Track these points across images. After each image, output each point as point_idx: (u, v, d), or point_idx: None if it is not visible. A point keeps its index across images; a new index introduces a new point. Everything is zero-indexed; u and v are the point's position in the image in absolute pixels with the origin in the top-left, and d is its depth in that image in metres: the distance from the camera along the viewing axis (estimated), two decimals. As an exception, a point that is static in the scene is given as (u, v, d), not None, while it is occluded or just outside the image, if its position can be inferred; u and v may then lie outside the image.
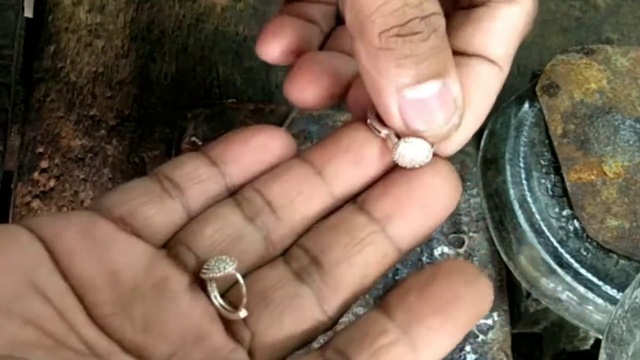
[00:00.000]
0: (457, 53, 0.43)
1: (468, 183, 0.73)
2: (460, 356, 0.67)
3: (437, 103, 0.39)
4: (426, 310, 0.38)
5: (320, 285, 0.41)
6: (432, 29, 0.38)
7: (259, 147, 0.43)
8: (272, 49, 0.48)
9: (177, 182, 0.41)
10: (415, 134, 0.41)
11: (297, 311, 0.39)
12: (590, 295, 0.64)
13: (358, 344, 0.38)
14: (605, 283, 0.64)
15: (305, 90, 0.46)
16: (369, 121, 0.42)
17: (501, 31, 0.43)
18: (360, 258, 0.41)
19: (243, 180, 0.43)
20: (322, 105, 0.46)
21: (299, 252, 0.41)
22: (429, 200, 0.42)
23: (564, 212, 0.66)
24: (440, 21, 0.39)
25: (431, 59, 0.39)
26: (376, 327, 0.39)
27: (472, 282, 0.39)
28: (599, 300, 0.63)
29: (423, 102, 0.39)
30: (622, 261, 0.65)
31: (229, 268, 0.38)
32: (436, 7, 0.39)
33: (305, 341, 0.40)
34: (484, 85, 0.43)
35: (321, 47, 0.53)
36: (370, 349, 0.38)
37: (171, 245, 0.40)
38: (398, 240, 0.42)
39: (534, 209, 0.66)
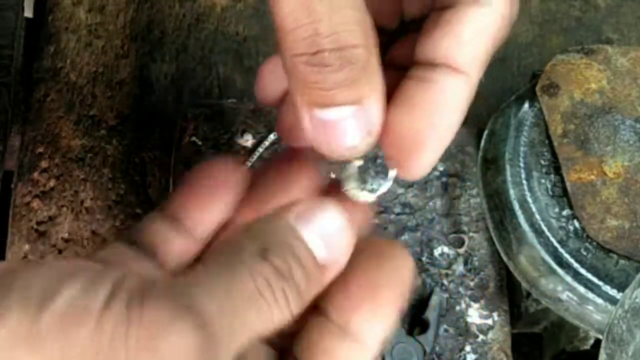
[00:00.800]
0: (422, 64, 0.41)
1: (468, 183, 0.73)
2: (460, 356, 0.67)
3: (346, 127, 0.38)
4: (355, 303, 0.39)
5: None
6: (347, 61, 0.36)
7: (214, 200, 0.43)
8: (271, 92, 0.46)
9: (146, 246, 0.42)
10: (323, 152, 0.39)
11: None
12: (590, 295, 0.64)
13: (309, 350, 0.39)
14: (605, 283, 0.64)
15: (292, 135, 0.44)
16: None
17: (469, 36, 0.40)
18: None
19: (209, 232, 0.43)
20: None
21: None
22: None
23: (564, 212, 0.66)
24: (360, 53, 0.37)
25: (343, 88, 0.37)
26: (319, 330, 0.39)
27: (389, 258, 0.40)
28: (599, 300, 0.64)
29: (332, 123, 0.38)
30: (622, 261, 0.65)
31: None
32: (358, 38, 0.37)
33: None
34: (449, 100, 0.41)
35: None
36: (321, 351, 0.39)
37: None
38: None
39: (534, 209, 0.66)
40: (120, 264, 0.40)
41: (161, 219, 0.43)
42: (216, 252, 0.37)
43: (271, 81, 0.45)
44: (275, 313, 0.35)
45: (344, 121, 0.38)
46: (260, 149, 0.70)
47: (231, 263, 0.35)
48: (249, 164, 0.70)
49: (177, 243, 0.42)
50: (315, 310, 0.39)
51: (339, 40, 0.36)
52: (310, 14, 0.36)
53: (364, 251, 0.40)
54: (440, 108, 0.40)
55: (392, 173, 0.42)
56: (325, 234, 0.38)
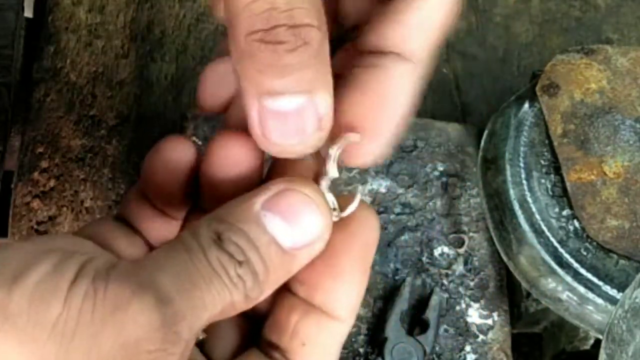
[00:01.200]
0: (371, 52, 0.41)
1: (468, 183, 0.73)
2: (460, 356, 0.67)
3: (296, 119, 0.37)
4: (317, 274, 0.39)
5: None
6: (302, 41, 0.35)
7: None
8: (215, 98, 0.44)
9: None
10: (268, 145, 0.38)
11: None
12: (590, 295, 0.64)
13: (278, 330, 0.39)
14: (606, 283, 0.64)
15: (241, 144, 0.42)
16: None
17: (417, 24, 0.40)
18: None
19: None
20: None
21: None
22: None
23: (564, 212, 0.66)
24: (314, 34, 0.36)
25: (296, 73, 0.36)
26: (286, 308, 0.39)
27: (349, 221, 0.39)
28: (599, 300, 0.64)
29: (282, 114, 0.36)
30: (622, 261, 0.65)
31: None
32: (313, 19, 0.36)
33: None
34: (398, 86, 0.40)
35: None
36: (289, 329, 0.39)
37: None
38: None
39: (534, 209, 0.66)
40: (103, 240, 0.40)
41: (142, 197, 0.43)
42: (178, 236, 0.37)
43: (214, 86, 0.44)
44: (234, 295, 0.35)
45: (296, 112, 0.37)
46: None
47: (189, 246, 0.36)
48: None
49: (157, 221, 0.42)
50: (284, 288, 0.39)
51: (295, 16, 0.36)
52: None
53: None
54: (391, 93, 0.40)
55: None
56: (294, 218, 0.37)
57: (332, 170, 0.39)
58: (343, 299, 0.39)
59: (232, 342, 0.42)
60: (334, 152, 0.39)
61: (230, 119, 0.43)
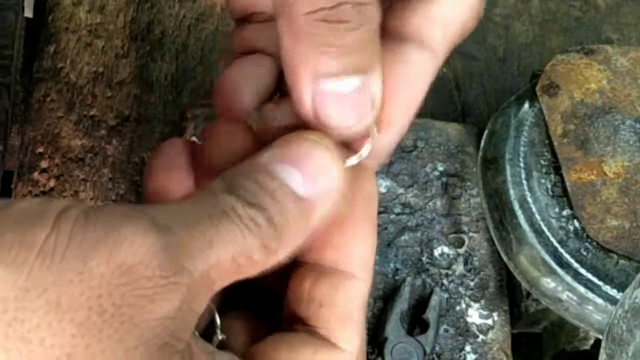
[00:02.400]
0: (394, 37, 0.41)
1: (468, 183, 0.73)
2: (460, 356, 0.67)
3: (353, 100, 0.37)
4: (326, 233, 0.38)
5: None
6: (364, 20, 0.36)
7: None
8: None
9: None
10: (323, 128, 0.37)
11: None
12: (590, 295, 0.64)
13: (294, 302, 0.39)
14: (605, 283, 0.64)
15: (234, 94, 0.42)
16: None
17: (439, 17, 0.41)
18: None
19: None
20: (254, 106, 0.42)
21: None
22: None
23: (564, 212, 0.66)
24: (375, 14, 0.36)
25: (355, 54, 0.36)
26: (298, 279, 0.39)
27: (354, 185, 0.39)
28: (599, 300, 0.63)
29: (339, 96, 0.36)
30: (622, 261, 0.65)
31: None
32: None
33: None
34: (415, 73, 0.40)
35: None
36: (304, 296, 0.38)
37: None
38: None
39: (534, 209, 0.66)
40: None
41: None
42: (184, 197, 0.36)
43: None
44: (247, 238, 0.34)
45: (353, 93, 0.36)
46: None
47: (197, 197, 0.35)
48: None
49: None
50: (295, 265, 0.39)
51: None
52: None
53: None
54: (408, 79, 0.40)
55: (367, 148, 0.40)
56: (304, 161, 0.36)
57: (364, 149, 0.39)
58: (353, 254, 0.38)
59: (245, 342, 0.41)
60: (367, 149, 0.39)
61: (220, 91, 0.42)
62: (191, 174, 0.41)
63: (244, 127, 0.41)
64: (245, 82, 0.42)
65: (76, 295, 0.30)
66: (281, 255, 0.35)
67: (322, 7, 0.35)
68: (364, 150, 0.39)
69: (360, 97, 0.37)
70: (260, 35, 0.47)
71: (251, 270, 0.34)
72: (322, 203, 0.36)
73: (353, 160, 0.38)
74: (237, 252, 0.34)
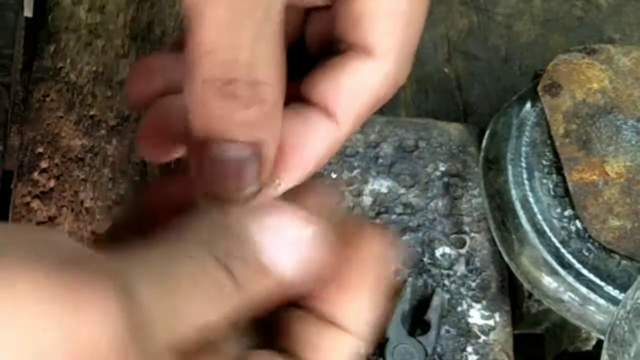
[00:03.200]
0: (304, 99, 0.40)
1: (470, 183, 0.73)
2: (462, 357, 0.67)
3: (236, 169, 0.36)
4: (329, 288, 0.38)
5: None
6: (259, 99, 0.35)
7: None
8: (137, 92, 0.44)
9: None
10: (213, 193, 0.37)
11: None
12: (592, 295, 0.63)
13: (287, 339, 0.38)
14: (608, 284, 0.64)
15: (152, 145, 0.42)
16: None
17: (347, 86, 0.40)
18: None
19: None
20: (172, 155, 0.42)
21: None
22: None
23: (566, 213, 0.66)
24: (270, 94, 0.35)
25: (245, 129, 0.35)
26: (294, 318, 0.38)
27: (363, 244, 0.39)
28: (601, 301, 0.63)
29: (222, 162, 0.36)
30: (624, 262, 0.64)
31: None
32: (271, 78, 0.35)
33: None
34: (316, 139, 0.39)
35: None
36: (298, 339, 0.38)
37: None
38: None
39: (535, 209, 0.66)
40: None
41: None
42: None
43: (144, 81, 0.43)
44: (218, 301, 0.33)
45: (239, 163, 0.36)
46: None
47: (179, 237, 0.34)
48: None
49: None
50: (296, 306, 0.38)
51: (254, 73, 0.35)
52: (234, 38, 0.34)
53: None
54: (305, 140, 0.39)
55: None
56: (283, 236, 0.36)
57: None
58: (352, 312, 0.38)
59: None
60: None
61: (151, 116, 0.42)
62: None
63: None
64: (164, 127, 0.42)
65: None
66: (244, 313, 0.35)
67: (217, 78, 0.35)
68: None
69: (245, 168, 0.36)
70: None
71: (220, 327, 0.34)
72: (291, 272, 0.36)
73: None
74: (209, 314, 0.33)
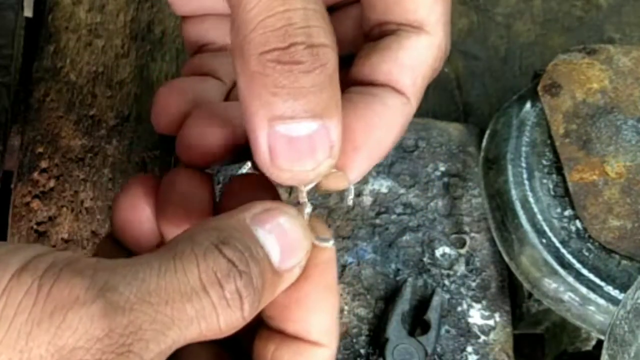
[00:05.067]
0: (364, 82, 0.40)
1: (470, 183, 0.73)
2: (462, 357, 0.67)
3: (309, 145, 0.35)
4: (286, 308, 0.38)
5: None
6: (320, 62, 0.34)
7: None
8: (163, 122, 0.44)
9: None
10: (279, 172, 0.36)
11: None
12: (592, 295, 0.63)
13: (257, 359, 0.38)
14: (608, 284, 0.64)
15: (196, 144, 0.41)
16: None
17: (408, 62, 0.40)
18: None
19: None
20: (216, 157, 0.41)
21: None
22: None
23: (566, 213, 0.66)
24: (331, 56, 0.35)
25: (310, 96, 0.34)
26: (262, 339, 0.39)
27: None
28: (601, 301, 0.63)
29: (294, 140, 0.35)
30: (624, 262, 0.64)
31: None
32: (329, 39, 0.35)
33: None
34: (389, 116, 0.40)
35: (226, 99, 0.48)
36: (267, 358, 0.38)
37: None
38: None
39: (535, 209, 0.66)
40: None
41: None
42: (170, 241, 0.35)
43: (169, 104, 0.43)
44: (221, 314, 0.33)
45: (308, 138, 0.35)
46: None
47: (175, 251, 0.33)
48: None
49: None
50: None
51: (312, 35, 0.34)
52: (285, 1, 0.34)
53: None
54: (380, 119, 0.40)
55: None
56: (283, 237, 0.36)
57: (306, 204, 0.38)
58: (314, 325, 0.38)
59: None
60: (310, 187, 0.38)
61: (182, 141, 0.42)
62: (153, 213, 0.41)
63: (203, 176, 0.41)
64: (209, 132, 0.41)
65: None
66: (245, 323, 0.34)
67: (274, 47, 0.34)
68: (324, 241, 0.38)
69: (317, 142, 0.35)
70: (209, 62, 0.47)
71: (214, 337, 0.34)
72: (289, 278, 0.36)
73: (321, 243, 0.38)
74: (206, 328, 0.33)
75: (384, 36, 0.41)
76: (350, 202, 0.40)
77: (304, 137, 0.35)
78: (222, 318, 0.33)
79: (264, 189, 0.40)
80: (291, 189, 0.38)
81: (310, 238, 0.37)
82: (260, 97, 0.35)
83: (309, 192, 0.38)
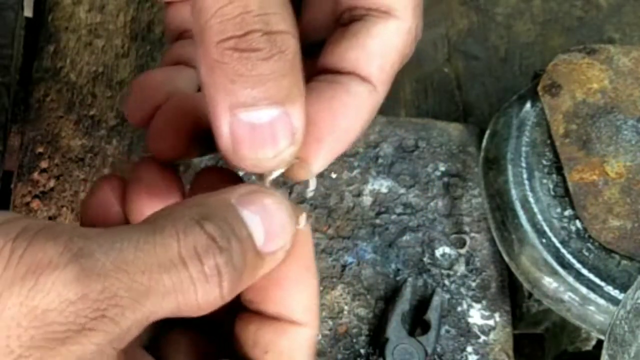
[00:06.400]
0: (331, 71, 0.40)
1: (470, 183, 0.73)
2: (462, 357, 0.67)
3: (270, 132, 0.35)
4: (265, 289, 0.38)
5: None
6: (278, 49, 0.34)
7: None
8: (137, 117, 0.43)
9: None
10: (241, 160, 0.36)
11: None
12: (592, 295, 0.63)
13: (239, 343, 0.38)
14: (608, 284, 0.64)
15: (165, 136, 0.41)
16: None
17: (376, 49, 0.40)
18: None
19: None
20: (186, 150, 0.41)
21: None
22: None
23: (566, 213, 0.66)
24: (290, 43, 0.35)
25: (270, 83, 0.34)
26: (243, 321, 0.38)
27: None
28: (601, 301, 0.63)
29: (256, 127, 0.35)
30: (624, 261, 0.64)
31: None
32: (287, 26, 0.35)
33: None
34: (354, 104, 0.39)
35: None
36: (249, 340, 0.38)
37: None
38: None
39: (535, 209, 0.66)
40: None
41: None
42: (150, 216, 0.34)
43: (140, 99, 0.43)
44: (199, 289, 0.32)
45: (269, 125, 0.35)
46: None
47: (155, 226, 0.33)
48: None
49: None
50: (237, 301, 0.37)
51: (270, 22, 0.34)
52: None
53: None
54: (345, 108, 0.39)
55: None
56: (269, 218, 0.35)
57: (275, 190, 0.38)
58: (295, 304, 0.38)
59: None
60: (275, 175, 0.38)
61: (152, 134, 0.41)
62: (122, 209, 0.41)
63: (172, 170, 0.40)
64: (178, 124, 0.41)
65: None
66: (227, 300, 0.34)
67: (231, 35, 0.34)
68: (302, 221, 0.38)
69: (279, 129, 0.35)
70: (187, 50, 0.47)
71: (192, 314, 0.33)
72: (271, 262, 0.36)
73: (302, 224, 0.38)
74: (183, 302, 0.32)
75: (353, 21, 0.41)
76: (311, 193, 0.39)
77: (266, 123, 0.35)
78: (200, 293, 0.33)
79: (231, 180, 0.40)
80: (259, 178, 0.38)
81: (295, 221, 0.37)
82: (221, 86, 0.34)
83: (274, 181, 0.38)
